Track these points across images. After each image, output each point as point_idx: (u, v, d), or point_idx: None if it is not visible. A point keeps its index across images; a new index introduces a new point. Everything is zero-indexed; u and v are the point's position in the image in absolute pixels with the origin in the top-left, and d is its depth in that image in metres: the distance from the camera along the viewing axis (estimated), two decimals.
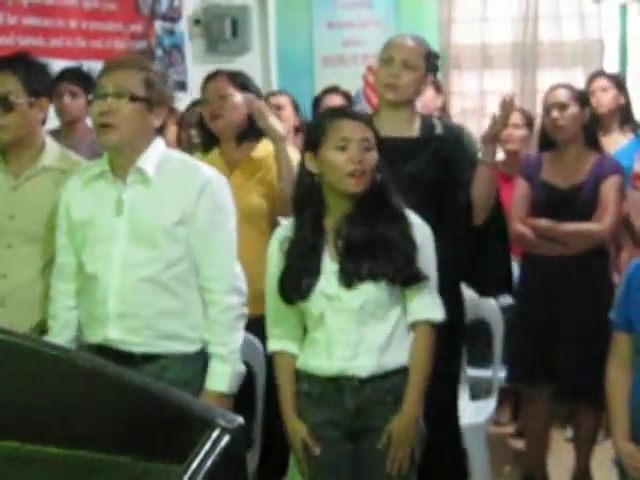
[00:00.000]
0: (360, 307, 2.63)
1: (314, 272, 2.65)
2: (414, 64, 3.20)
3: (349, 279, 2.63)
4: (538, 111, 4.23)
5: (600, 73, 5.19)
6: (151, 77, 2.74)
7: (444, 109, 5.21)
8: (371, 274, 2.62)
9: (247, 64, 5.15)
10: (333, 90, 5.27)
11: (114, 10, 5.53)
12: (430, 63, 3.26)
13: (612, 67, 6.17)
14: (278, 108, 4.53)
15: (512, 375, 4.01)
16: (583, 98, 3.97)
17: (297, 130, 4.64)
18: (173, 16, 6.04)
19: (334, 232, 2.68)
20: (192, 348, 2.75)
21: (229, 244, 2.78)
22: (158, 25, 5.91)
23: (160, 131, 2.83)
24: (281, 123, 3.64)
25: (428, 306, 2.71)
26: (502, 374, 4.01)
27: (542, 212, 3.88)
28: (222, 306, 2.73)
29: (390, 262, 2.62)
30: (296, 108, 4.83)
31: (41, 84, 3.04)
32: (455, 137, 3.25)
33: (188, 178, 2.74)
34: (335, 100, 5.09)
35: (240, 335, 2.78)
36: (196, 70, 5.99)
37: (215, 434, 1.42)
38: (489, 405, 3.92)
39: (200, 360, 2.75)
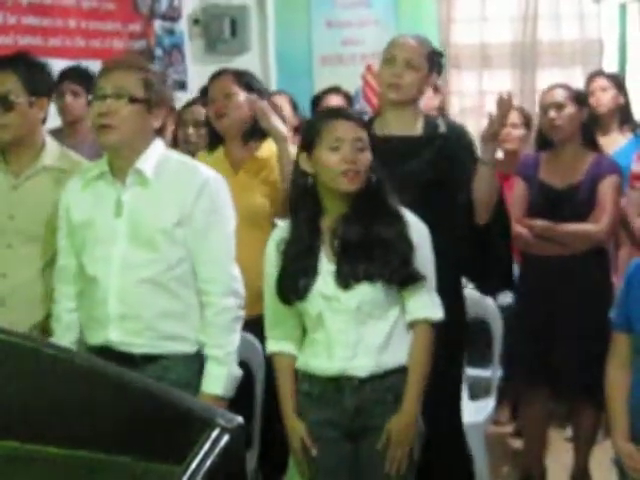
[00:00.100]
0: (357, 307, 2.64)
1: (311, 272, 2.66)
2: (417, 64, 3.20)
3: (345, 280, 2.63)
4: (537, 111, 4.23)
5: (599, 73, 5.19)
6: (150, 78, 2.73)
7: (442, 109, 5.20)
8: (367, 275, 2.62)
9: (246, 64, 5.13)
10: (333, 90, 5.26)
11: (113, 10, 5.53)
12: (434, 62, 3.26)
13: (611, 67, 6.17)
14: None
15: (510, 375, 4.01)
16: (580, 98, 3.97)
17: (296, 130, 4.64)
18: (173, 15, 6.03)
19: (330, 232, 2.68)
20: (193, 349, 2.75)
21: (226, 245, 2.77)
22: (158, 25, 5.90)
23: (160, 132, 2.82)
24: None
25: (427, 305, 2.71)
26: (501, 374, 4.01)
27: (539, 212, 3.88)
28: (218, 308, 2.73)
29: (386, 263, 2.62)
30: (295, 108, 4.83)
31: (41, 83, 3.04)
32: (458, 136, 3.25)
33: (186, 179, 2.74)
34: (335, 100, 5.09)
35: (236, 337, 2.77)
36: (195, 70, 5.99)
37: (215, 434, 1.43)
38: (488, 404, 3.92)
39: (197, 362, 2.74)
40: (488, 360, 4.01)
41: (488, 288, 3.61)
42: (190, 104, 4.31)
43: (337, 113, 2.80)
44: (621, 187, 3.95)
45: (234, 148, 3.61)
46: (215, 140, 3.67)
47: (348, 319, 2.65)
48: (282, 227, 2.78)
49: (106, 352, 2.68)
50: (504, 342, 3.95)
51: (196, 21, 6.23)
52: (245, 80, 3.62)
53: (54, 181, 2.98)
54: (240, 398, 2.89)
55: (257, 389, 3.26)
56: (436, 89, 5.03)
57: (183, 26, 6.13)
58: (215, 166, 3.48)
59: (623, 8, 6.34)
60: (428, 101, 4.80)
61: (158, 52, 5.92)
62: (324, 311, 2.66)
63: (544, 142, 4.01)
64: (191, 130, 4.12)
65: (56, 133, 3.83)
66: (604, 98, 4.84)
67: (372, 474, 2.70)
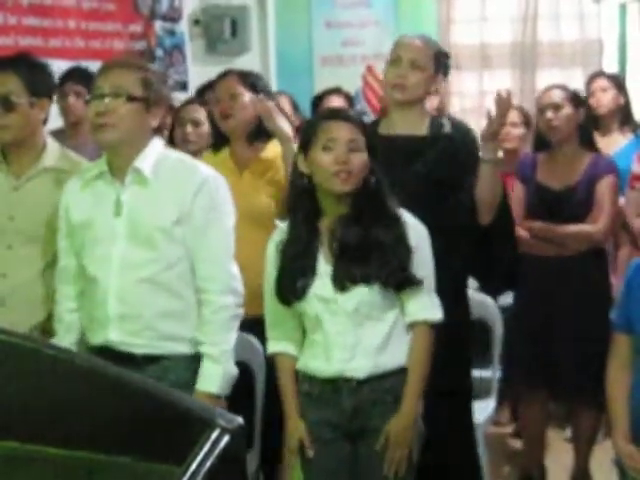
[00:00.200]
0: (355, 309, 2.64)
1: (309, 273, 2.66)
2: (422, 64, 3.19)
3: (342, 282, 2.63)
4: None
5: (600, 73, 5.19)
6: (148, 77, 2.73)
7: (440, 109, 5.20)
8: (364, 277, 2.62)
9: (246, 64, 5.13)
10: (334, 91, 5.26)
11: (113, 10, 5.53)
12: (440, 63, 3.26)
13: (611, 67, 6.17)
14: None
15: (509, 376, 4.01)
16: (577, 99, 3.97)
17: (297, 130, 4.64)
18: (173, 16, 6.03)
19: (329, 233, 2.68)
20: (193, 349, 2.74)
21: (225, 243, 2.77)
22: (159, 25, 5.90)
23: (157, 131, 2.82)
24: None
25: (426, 306, 2.71)
26: (501, 374, 4.01)
27: (537, 214, 3.88)
28: (216, 306, 2.72)
29: (383, 266, 2.62)
30: (295, 108, 4.83)
31: (42, 84, 3.04)
32: (463, 135, 3.24)
33: (185, 177, 2.74)
34: (336, 101, 5.09)
35: (233, 336, 2.76)
36: (196, 70, 5.99)
37: (215, 434, 1.42)
38: (488, 405, 3.92)
39: (196, 362, 2.73)
40: (488, 361, 4.00)
41: (492, 288, 3.61)
42: (187, 103, 4.32)
43: (333, 114, 2.80)
44: (618, 187, 3.95)
45: (239, 149, 3.62)
46: (220, 141, 3.67)
47: (346, 321, 2.65)
48: (282, 228, 2.78)
49: (107, 352, 2.68)
50: (504, 343, 3.95)
51: (196, 22, 6.23)
52: (250, 81, 3.63)
53: (55, 182, 2.98)
54: (240, 398, 2.88)
55: (258, 390, 3.26)
56: (435, 90, 5.02)
57: (184, 27, 6.13)
58: (220, 166, 3.49)
59: (623, 8, 6.34)
60: (427, 101, 4.80)
61: (159, 53, 5.92)
62: (322, 313, 2.66)
63: (541, 143, 4.01)
64: (189, 129, 4.13)
65: (59, 134, 3.83)
66: (604, 99, 4.84)
67: (371, 475, 2.69)
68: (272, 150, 3.57)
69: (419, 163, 3.18)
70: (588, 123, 4.01)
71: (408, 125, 3.23)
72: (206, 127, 4.10)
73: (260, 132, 3.56)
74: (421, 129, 3.24)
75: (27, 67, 3.03)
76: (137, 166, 2.71)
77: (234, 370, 2.76)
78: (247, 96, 3.57)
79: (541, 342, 3.86)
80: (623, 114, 4.88)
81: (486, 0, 6.58)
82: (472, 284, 3.54)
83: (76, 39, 5.28)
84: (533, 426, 4.08)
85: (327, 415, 2.69)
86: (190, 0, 6.19)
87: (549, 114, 3.88)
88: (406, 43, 3.25)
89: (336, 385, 2.67)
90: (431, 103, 4.89)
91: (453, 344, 2.99)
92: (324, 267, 2.66)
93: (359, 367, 2.65)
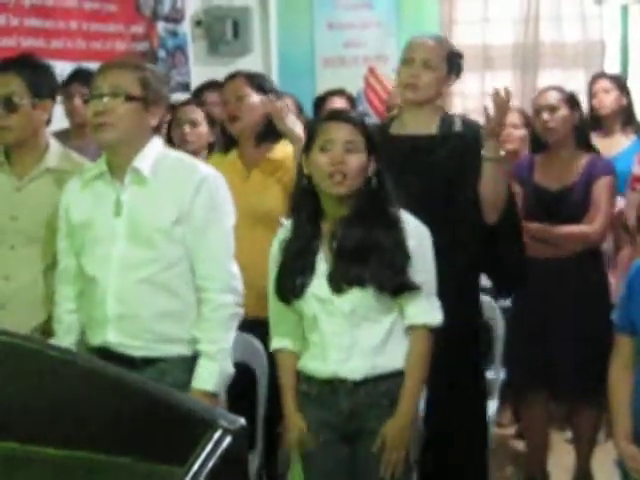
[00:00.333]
0: (351, 311, 2.64)
1: (308, 272, 2.67)
2: (434, 64, 3.19)
3: (338, 283, 2.64)
4: None
5: (602, 74, 5.19)
6: (147, 76, 2.73)
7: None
8: (358, 280, 2.62)
9: (248, 65, 5.13)
10: (337, 93, 5.27)
11: (115, 11, 5.53)
12: (453, 63, 3.25)
13: (613, 68, 6.16)
14: None
15: (510, 377, 4.01)
16: (573, 100, 3.97)
17: None
18: (176, 17, 6.03)
19: (330, 234, 2.69)
20: (190, 351, 2.73)
21: (225, 242, 2.76)
22: (161, 26, 5.90)
23: (155, 131, 2.82)
24: None
25: (425, 310, 2.70)
26: (503, 375, 4.00)
27: (534, 215, 3.88)
28: (215, 304, 2.72)
29: (380, 270, 2.62)
30: (299, 109, 4.83)
31: (45, 86, 3.04)
32: (473, 134, 3.23)
33: (184, 176, 2.73)
34: (339, 102, 5.10)
35: (231, 335, 2.75)
36: (198, 71, 5.99)
37: (217, 435, 1.42)
38: (490, 406, 3.91)
39: (194, 364, 2.72)
40: (490, 361, 4.00)
41: (502, 288, 3.61)
42: (184, 104, 4.34)
43: (333, 115, 2.81)
44: (615, 187, 3.94)
45: (247, 150, 3.62)
46: (229, 142, 3.68)
47: (342, 322, 2.65)
48: (287, 226, 2.78)
49: (105, 353, 2.67)
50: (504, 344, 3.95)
51: (199, 23, 6.23)
52: (258, 82, 3.63)
53: (57, 183, 2.97)
54: (243, 399, 2.88)
55: (260, 391, 3.25)
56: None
57: (186, 28, 6.13)
58: (229, 168, 3.51)
59: (625, 9, 6.33)
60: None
61: (161, 54, 5.92)
62: (318, 313, 2.66)
63: (538, 145, 4.02)
64: (187, 129, 4.14)
65: (63, 134, 3.84)
66: (607, 100, 4.83)
67: (369, 477, 2.69)
68: (280, 151, 3.58)
69: (429, 161, 3.17)
70: (584, 124, 4.01)
71: (419, 125, 3.23)
72: (204, 127, 4.14)
73: (268, 133, 3.57)
74: (432, 128, 3.24)
75: (29, 68, 3.03)
76: (136, 166, 2.71)
77: (230, 369, 2.75)
78: (254, 97, 3.57)
79: (540, 343, 3.86)
80: (625, 115, 4.87)
81: (488, 1, 6.58)
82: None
83: (78, 40, 5.28)
84: (535, 427, 4.07)
85: (325, 416, 2.69)
86: (192, 1, 6.19)
87: (545, 115, 3.88)
88: (419, 43, 3.25)
89: (333, 386, 2.67)
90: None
91: (456, 344, 3.00)
92: (322, 267, 2.67)
93: (355, 368, 2.65)
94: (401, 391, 2.67)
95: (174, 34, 6.02)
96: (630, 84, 5.16)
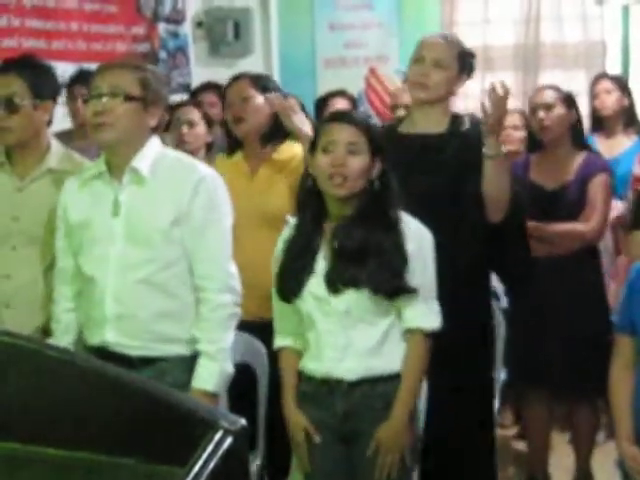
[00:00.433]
0: (346, 311, 2.64)
1: (307, 271, 2.67)
2: (445, 63, 3.18)
3: (334, 283, 2.64)
4: None
5: (604, 75, 5.19)
6: (146, 77, 2.73)
7: None
8: (354, 281, 2.62)
9: (249, 66, 5.13)
10: (339, 94, 5.27)
11: (115, 12, 5.53)
12: (465, 62, 3.25)
13: (614, 69, 6.16)
14: None
15: (510, 377, 4.00)
16: (570, 100, 3.97)
17: None
18: (177, 18, 6.04)
19: (331, 234, 2.69)
20: (189, 351, 2.73)
21: (223, 242, 2.76)
22: (162, 27, 5.91)
23: (154, 131, 2.82)
24: None
25: (423, 314, 2.69)
26: (504, 376, 4.00)
27: (530, 213, 3.87)
28: (214, 304, 2.71)
29: (377, 272, 2.61)
30: (302, 110, 4.83)
31: (46, 87, 3.05)
32: (480, 132, 3.22)
33: (183, 176, 2.73)
34: (341, 103, 5.10)
35: (231, 335, 2.75)
36: (199, 72, 5.99)
37: (218, 436, 1.42)
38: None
39: (193, 364, 2.72)
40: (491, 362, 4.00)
41: (508, 286, 3.60)
42: (181, 105, 4.36)
43: (336, 116, 2.81)
44: (611, 186, 3.93)
45: (253, 151, 3.62)
46: (234, 144, 3.68)
47: (337, 321, 2.65)
48: (292, 225, 2.79)
49: (103, 353, 2.67)
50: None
51: (200, 24, 6.23)
52: (262, 83, 3.63)
53: (58, 183, 2.97)
54: (243, 400, 2.88)
55: (260, 391, 3.25)
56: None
57: (187, 29, 6.13)
58: (234, 169, 3.51)
59: (626, 10, 6.33)
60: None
61: (162, 55, 5.92)
62: (315, 312, 2.67)
63: (534, 144, 4.02)
64: (185, 129, 4.16)
65: (66, 135, 3.84)
66: (608, 100, 4.83)
67: (367, 477, 2.69)
68: (286, 151, 3.58)
69: (435, 160, 3.16)
70: (581, 124, 4.01)
71: (429, 124, 3.23)
72: (201, 127, 4.18)
73: (273, 134, 3.57)
74: (442, 127, 3.23)
75: (31, 69, 3.04)
76: (135, 166, 2.71)
77: (230, 369, 2.75)
78: (259, 99, 3.57)
79: (537, 342, 3.86)
80: (627, 116, 4.87)
81: (489, 2, 6.58)
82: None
83: (79, 41, 5.28)
84: (536, 427, 4.07)
85: (321, 417, 2.70)
86: (193, 2, 6.19)
87: (541, 114, 3.88)
88: (430, 42, 3.25)
89: (329, 387, 2.68)
90: None
91: (464, 347, 3.00)
92: (322, 267, 2.67)
93: (350, 369, 2.65)
94: (396, 394, 2.66)
95: (175, 35, 6.03)
96: (631, 85, 5.16)
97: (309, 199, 2.71)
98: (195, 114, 4.20)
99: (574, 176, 3.87)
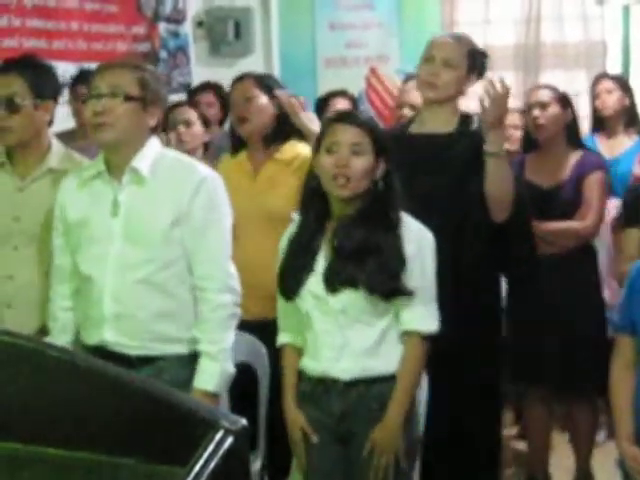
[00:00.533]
0: (342, 311, 2.64)
1: (307, 270, 2.68)
2: (455, 63, 3.19)
3: (332, 283, 2.64)
4: None
5: (605, 75, 5.18)
6: (145, 77, 2.73)
7: None
8: (351, 281, 2.62)
9: (250, 66, 5.13)
10: (340, 94, 5.27)
11: (116, 12, 5.52)
12: (475, 62, 3.24)
13: (615, 69, 6.16)
14: None
15: (510, 377, 4.00)
16: (565, 99, 3.97)
17: None
18: (177, 18, 6.03)
19: (332, 234, 2.69)
20: (187, 350, 2.73)
21: (223, 243, 2.76)
22: (162, 27, 5.90)
23: (153, 131, 2.82)
24: None
25: (421, 316, 2.69)
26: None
27: None
28: (214, 304, 2.71)
29: (374, 273, 2.61)
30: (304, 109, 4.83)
31: (47, 86, 3.05)
32: None
33: (183, 177, 2.73)
34: (342, 103, 5.10)
35: (231, 335, 2.75)
36: (199, 72, 5.99)
37: (218, 436, 1.42)
38: None
39: (191, 362, 2.72)
40: None
41: (515, 285, 3.61)
42: (177, 105, 4.36)
43: (340, 116, 2.81)
44: (606, 183, 3.93)
45: (256, 151, 3.62)
46: (238, 144, 3.68)
47: (334, 321, 2.66)
48: (296, 223, 2.79)
49: (101, 352, 2.67)
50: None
51: (200, 23, 6.23)
52: (266, 83, 3.64)
53: (59, 183, 2.97)
54: (244, 400, 2.88)
55: (261, 391, 3.26)
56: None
57: (187, 28, 6.13)
58: (237, 169, 3.51)
59: (626, 10, 6.34)
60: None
61: (163, 54, 5.92)
62: (313, 310, 2.67)
63: (529, 144, 4.02)
64: (182, 129, 4.17)
65: (69, 134, 3.84)
66: (610, 100, 4.83)
67: (363, 478, 2.68)
68: (289, 151, 3.58)
69: (445, 159, 3.16)
70: (575, 123, 4.01)
71: (438, 123, 3.23)
72: (198, 127, 4.21)
73: (277, 134, 3.57)
74: (451, 127, 3.23)
75: (31, 69, 3.04)
76: (134, 166, 2.71)
77: (231, 369, 2.75)
78: (263, 98, 3.57)
79: (534, 341, 3.86)
80: (628, 116, 4.87)
81: (489, 2, 6.58)
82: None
83: (79, 41, 5.28)
84: (537, 427, 4.07)
85: (318, 416, 2.70)
86: (194, 2, 6.19)
87: (536, 112, 3.89)
88: (440, 42, 3.25)
89: (326, 386, 2.68)
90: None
91: (462, 345, 3.00)
92: (321, 266, 2.67)
93: (346, 368, 2.66)
94: (391, 396, 2.66)
95: (175, 35, 6.02)
96: (631, 84, 5.16)
97: (313, 198, 2.71)
98: (191, 114, 4.23)
99: (569, 175, 3.88)
